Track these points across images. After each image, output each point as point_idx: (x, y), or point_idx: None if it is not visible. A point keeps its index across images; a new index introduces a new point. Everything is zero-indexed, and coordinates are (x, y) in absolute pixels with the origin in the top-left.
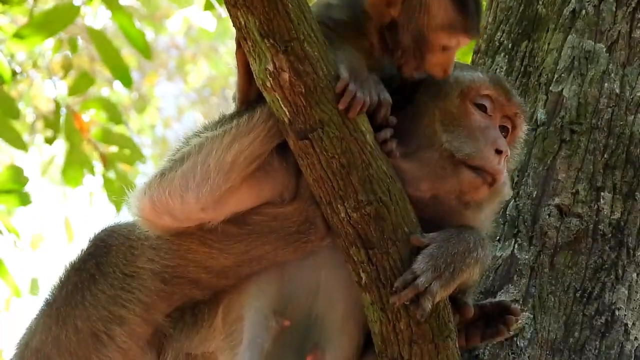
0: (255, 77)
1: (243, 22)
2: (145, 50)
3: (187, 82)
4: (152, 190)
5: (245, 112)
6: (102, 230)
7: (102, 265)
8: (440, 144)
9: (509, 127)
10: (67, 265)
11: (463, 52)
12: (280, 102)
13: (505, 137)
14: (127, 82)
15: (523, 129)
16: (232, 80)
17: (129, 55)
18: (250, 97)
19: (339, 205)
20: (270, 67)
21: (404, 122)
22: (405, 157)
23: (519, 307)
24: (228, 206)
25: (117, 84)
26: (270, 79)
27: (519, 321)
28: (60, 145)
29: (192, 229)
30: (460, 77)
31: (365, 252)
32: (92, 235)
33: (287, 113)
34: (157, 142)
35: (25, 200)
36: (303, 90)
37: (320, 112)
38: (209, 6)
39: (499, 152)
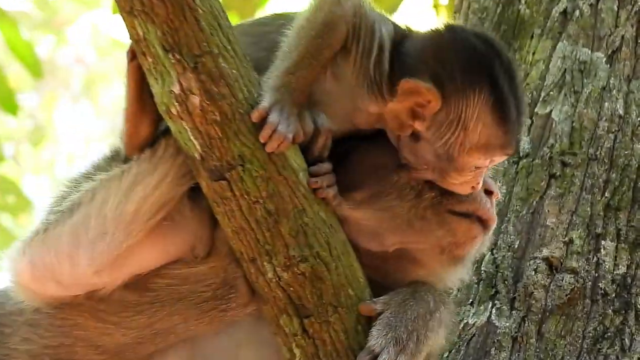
0: (157, 102)
1: (142, 33)
2: (34, 66)
3: (97, 106)
4: (32, 250)
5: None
6: None
7: None
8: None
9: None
10: None
11: None
12: (190, 133)
13: None
14: (12, 107)
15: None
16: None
17: (20, 74)
18: (140, 132)
19: (265, 263)
20: (176, 88)
21: (358, 160)
22: (360, 205)
23: None
24: (128, 267)
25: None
26: (177, 103)
27: None
28: None
29: (80, 298)
30: None
31: (299, 321)
32: None
33: (198, 147)
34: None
35: None
36: (218, 118)
37: (239, 146)
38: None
39: (489, 192)
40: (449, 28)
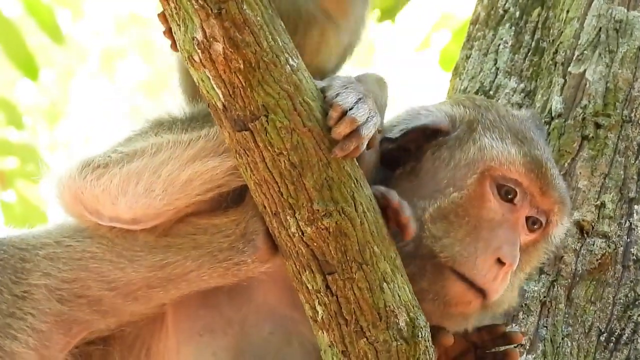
0: (179, 49)
1: None
2: (55, 32)
3: (114, 82)
4: (88, 177)
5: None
6: None
7: None
8: (420, 236)
9: (542, 220)
10: None
11: (463, 29)
12: (212, 82)
13: (534, 229)
14: (32, 72)
15: (561, 225)
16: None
17: (37, 48)
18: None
19: (288, 217)
20: (199, 35)
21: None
22: None
23: (519, 331)
24: (163, 219)
25: (21, 86)
26: (199, 51)
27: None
28: None
29: (104, 229)
30: (487, 146)
31: (322, 277)
32: None
33: (221, 96)
34: None
35: None
36: (241, 66)
37: (263, 95)
38: None
39: (500, 262)
40: None
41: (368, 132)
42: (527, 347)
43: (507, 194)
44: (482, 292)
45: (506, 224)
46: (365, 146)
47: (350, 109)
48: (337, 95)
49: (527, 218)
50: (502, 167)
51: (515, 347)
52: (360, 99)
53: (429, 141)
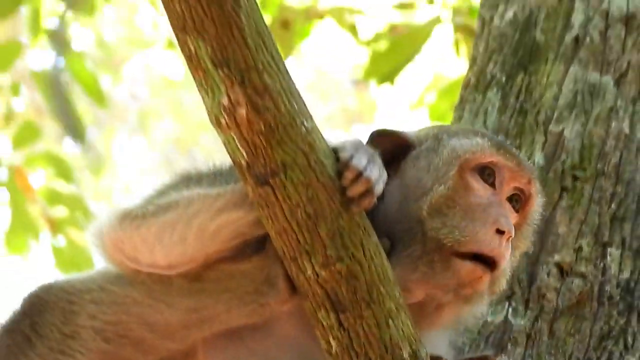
0: (207, 113)
1: (193, 50)
2: (98, 97)
3: (150, 140)
4: (128, 227)
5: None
6: (38, 287)
7: (37, 325)
8: (424, 233)
9: (522, 197)
10: None
11: (449, 88)
12: (237, 142)
13: (517, 210)
14: (80, 134)
15: (537, 199)
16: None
17: (82, 108)
18: None
19: (305, 262)
20: (225, 101)
21: (386, 205)
22: (389, 257)
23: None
24: (195, 264)
25: (68, 142)
26: (225, 115)
27: None
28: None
29: (143, 275)
30: (457, 145)
31: (335, 315)
32: (27, 293)
33: (245, 155)
34: None
35: None
36: (263, 129)
37: (282, 154)
38: (171, 45)
39: (500, 232)
40: None
41: (379, 188)
42: None
43: (489, 176)
44: (491, 262)
45: (494, 204)
46: (375, 200)
47: (364, 170)
48: (352, 157)
49: (510, 199)
50: (475, 155)
51: None
52: (369, 160)
53: (403, 157)
